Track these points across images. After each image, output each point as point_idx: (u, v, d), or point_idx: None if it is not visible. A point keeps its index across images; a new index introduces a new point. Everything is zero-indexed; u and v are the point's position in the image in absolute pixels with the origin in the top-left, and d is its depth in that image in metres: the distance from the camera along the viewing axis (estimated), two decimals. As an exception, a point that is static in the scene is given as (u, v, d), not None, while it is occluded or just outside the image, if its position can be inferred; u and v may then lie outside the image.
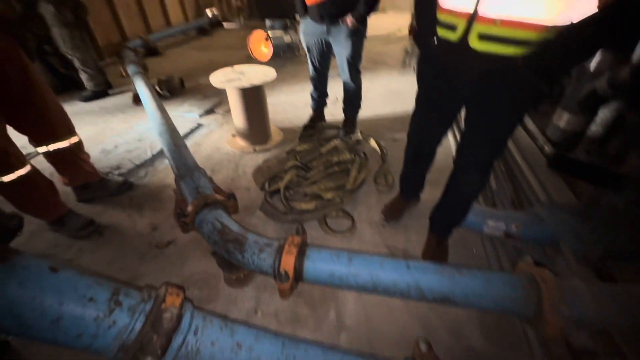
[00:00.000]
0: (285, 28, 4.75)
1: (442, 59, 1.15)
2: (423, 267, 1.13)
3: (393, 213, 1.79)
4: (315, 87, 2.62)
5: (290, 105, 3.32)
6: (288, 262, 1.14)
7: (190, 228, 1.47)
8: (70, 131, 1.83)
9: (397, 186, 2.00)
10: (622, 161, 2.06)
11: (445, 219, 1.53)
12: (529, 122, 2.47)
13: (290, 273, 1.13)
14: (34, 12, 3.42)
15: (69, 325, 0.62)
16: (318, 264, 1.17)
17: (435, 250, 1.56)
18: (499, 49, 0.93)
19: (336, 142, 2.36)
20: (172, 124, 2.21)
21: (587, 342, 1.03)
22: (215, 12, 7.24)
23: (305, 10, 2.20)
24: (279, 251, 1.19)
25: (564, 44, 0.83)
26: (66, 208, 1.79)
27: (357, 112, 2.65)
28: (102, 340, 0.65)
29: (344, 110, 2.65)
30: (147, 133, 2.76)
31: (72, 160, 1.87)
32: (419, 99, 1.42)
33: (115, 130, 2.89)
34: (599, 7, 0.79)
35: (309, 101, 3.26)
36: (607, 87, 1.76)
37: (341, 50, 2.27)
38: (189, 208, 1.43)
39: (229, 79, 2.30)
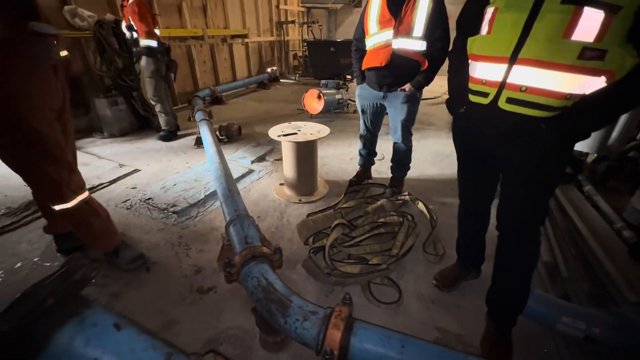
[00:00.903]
0: (337, 87, 5.10)
1: (474, 119, 1.25)
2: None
3: (447, 280, 1.66)
4: (365, 146, 2.68)
5: (337, 159, 3.41)
6: (334, 338, 1.05)
7: (234, 279, 1.46)
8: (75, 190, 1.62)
9: (448, 257, 1.86)
10: None
11: (502, 301, 1.36)
12: (600, 202, 2.25)
13: (336, 351, 1.03)
14: (133, 66, 4.12)
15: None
16: (366, 345, 1.06)
17: (496, 343, 1.35)
18: (525, 110, 1.04)
19: (383, 201, 2.32)
20: (229, 170, 2.35)
21: None
22: (275, 69, 8.10)
23: (363, 77, 2.35)
24: (325, 323, 1.11)
25: (580, 111, 0.96)
26: (121, 238, 1.88)
27: (405, 172, 2.62)
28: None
29: (392, 169, 2.64)
30: (204, 174, 2.96)
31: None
32: (459, 159, 1.49)
33: (176, 168, 3.15)
34: (607, 82, 0.92)
35: (355, 155, 3.32)
36: None
37: (396, 114, 2.34)
38: (236, 259, 1.44)
39: (286, 132, 2.45)
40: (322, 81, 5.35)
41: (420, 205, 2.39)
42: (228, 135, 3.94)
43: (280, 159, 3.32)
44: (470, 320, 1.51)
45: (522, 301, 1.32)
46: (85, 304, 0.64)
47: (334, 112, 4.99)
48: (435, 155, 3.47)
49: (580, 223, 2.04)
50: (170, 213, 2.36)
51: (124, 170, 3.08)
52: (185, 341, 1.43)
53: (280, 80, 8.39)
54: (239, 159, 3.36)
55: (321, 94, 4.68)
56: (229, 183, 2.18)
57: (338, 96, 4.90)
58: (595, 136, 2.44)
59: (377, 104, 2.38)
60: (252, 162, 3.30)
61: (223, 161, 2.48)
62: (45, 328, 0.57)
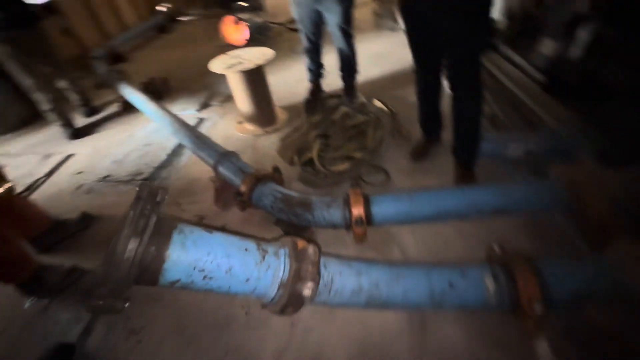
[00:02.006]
0: (253, 9, 4.63)
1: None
2: (477, 190, 1.28)
3: (419, 154, 1.97)
4: (312, 59, 2.66)
5: (283, 85, 3.33)
6: (359, 211, 1.26)
7: (247, 205, 1.55)
8: None
9: (414, 136, 2.14)
10: (603, 77, 2.28)
11: (463, 147, 1.70)
12: (515, 57, 2.65)
13: (364, 218, 1.25)
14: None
15: (238, 272, 0.72)
16: (384, 207, 1.30)
17: (464, 180, 1.72)
18: None
19: (344, 108, 2.44)
20: (182, 120, 2.22)
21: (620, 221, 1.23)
22: (169, 6, 6.86)
23: None
24: (347, 204, 1.30)
25: None
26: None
27: (355, 77, 2.72)
28: (263, 282, 0.75)
29: (343, 78, 2.72)
30: (153, 136, 2.73)
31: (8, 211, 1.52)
32: (409, 36, 1.66)
33: (117, 140, 2.82)
34: None
35: (300, 78, 3.29)
36: (589, 6, 1.92)
37: (332, 17, 2.31)
38: (242, 187, 1.51)
39: (230, 65, 2.30)
40: (233, 5, 4.77)
41: (377, 102, 2.58)
42: (155, 92, 3.50)
43: (226, 100, 3.15)
44: (444, 175, 1.85)
45: (475, 143, 1.65)
46: (171, 220, 0.69)
47: (258, 39, 4.62)
48: (373, 57, 3.57)
49: (503, 77, 2.45)
50: (140, 181, 2.22)
51: (55, 160, 2.68)
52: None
53: (182, 20, 7.21)
54: (180, 112, 3.09)
55: (238, 19, 4.23)
56: (193, 130, 2.09)
57: (258, 20, 4.49)
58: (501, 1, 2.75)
59: (313, 10, 2.31)
60: (198, 110, 3.08)
61: (171, 113, 2.31)
62: (160, 245, 0.63)
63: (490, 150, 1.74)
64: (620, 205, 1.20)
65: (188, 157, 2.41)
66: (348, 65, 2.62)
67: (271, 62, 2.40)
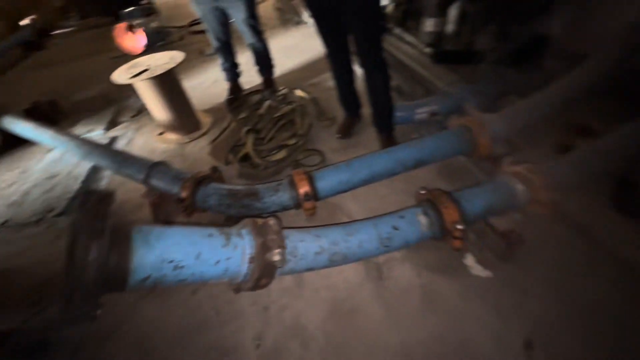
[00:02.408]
0: (145, 14, 4.27)
1: None
2: (399, 147, 1.49)
3: (346, 131, 2.16)
4: (225, 59, 2.62)
5: (198, 89, 3.20)
6: (305, 187, 1.35)
7: (193, 210, 1.51)
8: None
9: (338, 118, 2.32)
10: (472, 43, 2.78)
11: (381, 117, 1.94)
12: (406, 36, 3.04)
13: (310, 194, 1.35)
14: None
15: (208, 257, 0.74)
16: (327, 180, 1.42)
17: (388, 146, 1.95)
18: None
19: (268, 102, 2.49)
20: (92, 141, 2.00)
21: (502, 150, 1.58)
22: (34, 17, 5.82)
23: None
24: (292, 184, 1.38)
25: None
26: None
27: (272, 70, 2.78)
28: (233, 260, 0.79)
29: (260, 73, 2.75)
30: (56, 167, 2.37)
31: None
32: (317, 25, 1.79)
33: (6, 180, 2.37)
34: None
35: (216, 79, 3.22)
36: (451, -13, 2.31)
37: (237, 14, 2.33)
38: (183, 193, 1.47)
39: (136, 74, 2.13)
40: (122, 12, 4.32)
41: (298, 92, 2.70)
42: (44, 117, 3.00)
43: (138, 113, 2.91)
44: (371, 146, 2.07)
45: (390, 111, 1.90)
46: (126, 223, 0.68)
47: (158, 45, 4.29)
48: (284, 50, 3.66)
49: (400, 54, 2.80)
50: (53, 218, 1.94)
51: None
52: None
53: (56, 33, 6.20)
54: (87, 134, 2.74)
55: (132, 25, 3.87)
56: (109, 149, 1.91)
57: (153, 24, 4.16)
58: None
59: (215, 7, 2.28)
60: (107, 130, 2.76)
61: (76, 136, 2.05)
62: (122, 246, 0.62)
63: (402, 117, 2.01)
64: (499, 139, 1.54)
65: (108, 180, 2.18)
66: (263, 60, 2.66)
67: (182, 67, 2.30)
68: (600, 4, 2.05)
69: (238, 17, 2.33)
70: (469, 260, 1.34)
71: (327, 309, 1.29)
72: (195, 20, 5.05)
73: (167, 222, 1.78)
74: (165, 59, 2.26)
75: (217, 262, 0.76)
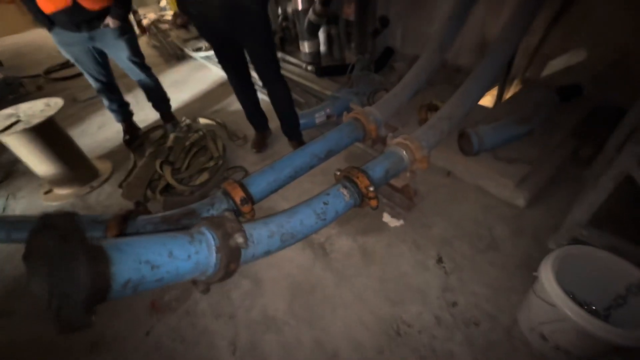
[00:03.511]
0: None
1: (197, 9, 1.70)
2: (311, 144, 1.76)
3: (260, 145, 2.35)
4: (110, 99, 2.47)
5: (84, 135, 2.88)
6: (239, 194, 1.48)
7: (125, 249, 1.43)
8: None
9: (250, 136, 2.49)
10: (344, 58, 3.37)
11: (289, 125, 2.21)
12: (291, 59, 3.46)
13: (245, 197, 1.48)
14: None
15: (179, 253, 0.81)
16: (257, 183, 1.58)
17: (301, 150, 2.24)
18: None
19: (173, 134, 2.47)
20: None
21: (385, 131, 2.03)
22: None
23: (51, 20, 1.99)
24: (226, 195, 1.49)
25: None
26: None
27: (168, 104, 2.75)
28: (202, 253, 0.87)
29: (156, 108, 2.69)
30: None
31: None
32: (214, 49, 1.93)
33: None
34: None
35: (100, 124, 3.00)
36: (315, 16, 2.82)
37: (118, 53, 2.26)
38: (109, 234, 1.39)
39: (4, 128, 1.84)
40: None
41: (203, 120, 2.75)
42: None
43: (7, 175, 2.44)
44: (284, 152, 2.28)
45: (296, 120, 2.19)
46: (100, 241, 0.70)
47: (11, 99, 3.63)
48: (174, 84, 3.62)
49: (288, 73, 3.18)
50: None
51: None
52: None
53: None
54: None
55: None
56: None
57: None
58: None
59: (88, 47, 2.16)
60: (-38, 205, 2.21)
61: None
62: (98, 255, 0.65)
63: (305, 123, 2.32)
64: (381, 123, 1.98)
65: (-14, 258, 1.78)
66: (156, 95, 2.62)
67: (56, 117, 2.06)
68: (418, 19, 2.85)
69: (120, 55, 2.27)
70: (386, 217, 1.69)
71: (289, 295, 1.42)
72: (53, 66, 4.47)
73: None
74: (39, 107, 2.02)
75: (189, 256, 0.83)
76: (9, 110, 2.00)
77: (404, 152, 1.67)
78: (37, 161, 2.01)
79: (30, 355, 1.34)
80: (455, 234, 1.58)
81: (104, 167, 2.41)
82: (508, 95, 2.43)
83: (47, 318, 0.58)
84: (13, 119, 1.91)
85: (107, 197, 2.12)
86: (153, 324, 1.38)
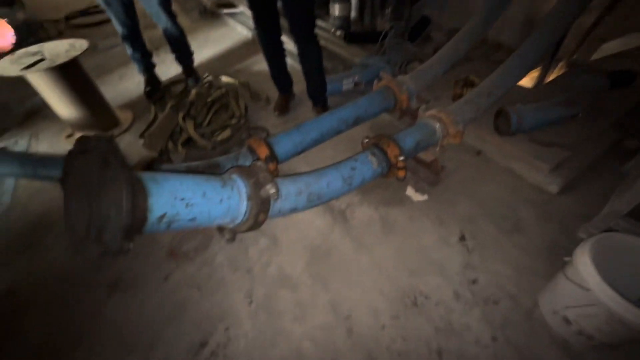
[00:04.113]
0: (7, 3, 3.49)
1: None
2: (340, 108, 1.70)
3: (282, 107, 2.28)
4: (134, 48, 2.41)
5: (108, 85, 2.84)
6: (265, 152, 1.44)
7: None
8: None
9: (273, 98, 2.42)
10: (375, 24, 3.19)
11: (316, 88, 2.12)
12: (319, 22, 3.29)
13: (269, 155, 1.44)
14: None
15: (212, 195, 0.79)
16: (283, 143, 1.54)
17: (325, 117, 2.16)
18: None
19: (195, 90, 2.41)
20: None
21: (416, 103, 1.94)
22: None
23: None
24: (251, 151, 1.45)
25: None
26: None
27: (192, 57, 2.67)
28: (234, 199, 0.85)
29: (179, 60, 2.62)
30: None
31: None
32: (250, 5, 1.82)
33: None
34: None
35: (121, 74, 2.95)
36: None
37: None
38: (134, 179, 1.38)
39: (28, 64, 1.81)
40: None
41: (224, 77, 2.67)
42: None
43: (30, 116, 2.45)
44: (307, 117, 2.24)
45: (324, 85, 2.10)
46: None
47: (30, 42, 3.58)
48: (197, 40, 3.49)
49: (324, 41, 3.03)
50: (-58, 249, 1.54)
51: None
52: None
53: None
54: (-46, 150, 2.18)
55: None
56: (8, 152, 1.62)
57: (20, 16, 3.45)
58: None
59: None
60: (-13, 141, 2.25)
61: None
62: (136, 184, 0.63)
63: (331, 89, 2.23)
64: (412, 95, 1.89)
65: (10, 195, 1.82)
66: (180, 46, 2.54)
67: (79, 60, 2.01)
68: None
69: (150, -1, 2.18)
70: (409, 191, 1.65)
71: (306, 256, 1.42)
72: (73, 12, 4.36)
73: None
74: (64, 47, 1.98)
75: (221, 200, 0.81)
76: (34, 48, 1.97)
77: (437, 125, 1.59)
78: (59, 103, 1.99)
79: (52, 289, 1.39)
80: (480, 213, 1.54)
81: (124, 116, 2.39)
82: (550, 77, 2.28)
83: (81, 245, 0.57)
84: (38, 57, 1.88)
85: (128, 146, 2.12)
86: (171, 270, 1.40)
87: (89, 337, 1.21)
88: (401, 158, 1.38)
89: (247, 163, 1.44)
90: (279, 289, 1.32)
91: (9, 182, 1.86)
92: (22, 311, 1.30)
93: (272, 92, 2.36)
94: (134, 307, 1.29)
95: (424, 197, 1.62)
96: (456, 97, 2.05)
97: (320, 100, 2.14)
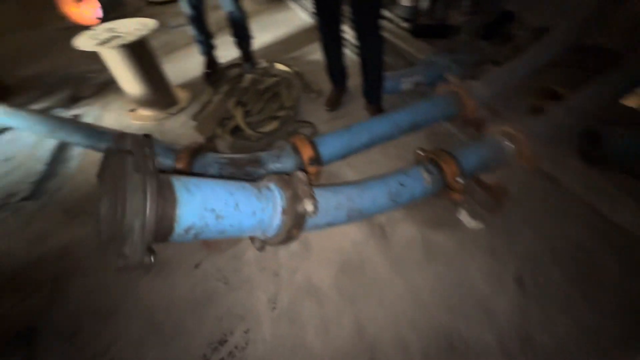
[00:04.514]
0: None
1: None
2: (396, 112, 1.55)
3: (334, 103, 2.17)
4: (199, 29, 2.46)
5: (170, 63, 2.98)
6: (309, 153, 1.36)
7: (190, 182, 1.45)
8: None
9: (325, 91, 2.32)
10: (446, 18, 2.89)
11: (372, 88, 1.97)
12: (386, 13, 3.07)
13: (314, 157, 1.36)
14: None
15: (245, 207, 0.73)
16: (329, 144, 1.44)
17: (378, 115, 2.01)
18: None
19: (250, 75, 2.40)
20: (54, 115, 1.81)
21: (485, 113, 1.70)
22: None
23: None
24: (294, 150, 1.38)
25: None
26: None
27: (250, 42, 2.67)
28: (268, 212, 0.79)
29: (238, 45, 2.63)
30: (10, 148, 2.11)
31: None
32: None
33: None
34: None
35: (185, 53, 3.03)
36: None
37: None
38: (179, 165, 1.40)
39: (103, 41, 1.93)
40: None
41: (279, 65, 2.63)
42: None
43: (103, 87, 2.66)
44: (359, 116, 2.11)
45: (381, 82, 1.94)
46: (166, 177, 0.65)
47: (112, 18, 3.88)
48: (258, 24, 3.49)
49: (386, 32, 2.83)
50: (19, 203, 1.74)
51: None
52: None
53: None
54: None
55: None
56: (78, 122, 1.74)
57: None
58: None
59: None
60: (65, 108, 2.49)
61: (36, 112, 1.84)
62: (166, 192, 0.59)
63: (389, 87, 2.05)
64: (481, 103, 1.65)
65: (80, 160, 2.00)
66: (242, 31, 2.54)
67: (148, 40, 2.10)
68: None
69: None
70: (462, 215, 1.46)
71: (336, 268, 1.34)
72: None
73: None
74: (134, 25, 2.07)
75: (254, 212, 0.75)
76: (108, 25, 2.09)
77: (509, 143, 1.38)
78: (125, 79, 2.11)
79: (93, 257, 1.49)
80: (545, 252, 1.31)
81: (182, 96, 2.48)
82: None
83: (103, 254, 0.55)
84: (112, 34, 1.99)
85: (181, 126, 2.19)
86: (202, 259, 1.42)
87: (122, 310, 1.28)
88: (459, 179, 1.21)
89: (289, 162, 1.38)
90: (304, 298, 1.26)
91: (78, 149, 2.03)
92: (70, 273, 1.42)
93: (325, 84, 2.26)
94: (164, 290, 1.33)
95: (479, 225, 1.43)
96: (534, 110, 1.76)
97: (375, 99, 1.99)
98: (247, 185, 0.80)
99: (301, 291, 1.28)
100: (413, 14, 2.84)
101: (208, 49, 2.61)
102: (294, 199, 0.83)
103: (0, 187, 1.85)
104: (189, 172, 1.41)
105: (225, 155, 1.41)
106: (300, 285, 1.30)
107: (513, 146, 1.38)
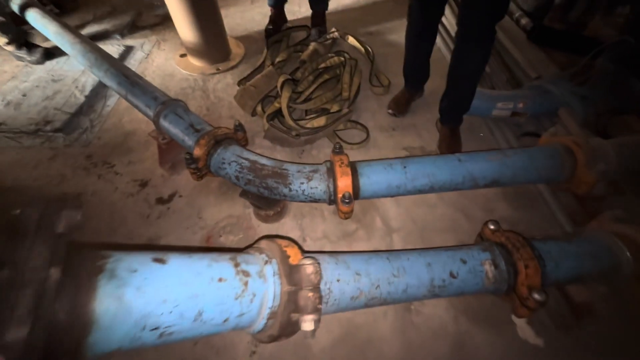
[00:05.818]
0: None
1: None
2: (474, 158, 1.15)
3: (400, 106, 1.76)
4: (271, -24, 2.10)
5: (235, 8, 2.68)
6: (346, 184, 1.06)
7: (204, 173, 1.25)
8: None
9: (393, 86, 1.90)
10: (584, 25, 2.16)
11: (455, 106, 1.53)
12: None
13: (352, 194, 1.06)
14: None
15: (213, 315, 0.50)
16: (374, 178, 1.12)
17: (450, 141, 1.59)
18: None
19: (313, 45, 2.04)
20: (102, 50, 1.66)
21: (600, 190, 1.22)
22: None
23: None
24: (331, 175, 1.09)
25: None
26: None
27: (327, 3, 2.25)
28: (247, 317, 0.55)
29: (312, 3, 2.23)
30: (63, 67, 2.07)
31: None
32: None
33: (7, 73, 2.09)
34: None
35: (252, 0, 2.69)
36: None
37: None
38: (197, 151, 1.19)
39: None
40: None
41: (352, 40, 2.22)
42: (56, 2, 2.59)
43: (163, 20, 2.48)
44: (426, 133, 1.71)
45: (470, 102, 1.49)
46: (94, 257, 0.42)
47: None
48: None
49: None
50: (51, 133, 1.70)
51: None
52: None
53: None
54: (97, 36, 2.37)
55: None
56: (119, 66, 1.57)
57: None
58: None
59: None
60: (123, 35, 2.37)
61: (85, 39, 1.70)
62: (78, 303, 0.37)
63: (477, 107, 1.58)
64: (604, 175, 1.17)
65: (116, 99, 1.89)
66: (319, -13, 2.13)
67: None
68: None
69: None
70: (520, 321, 1.10)
71: (338, 333, 1.10)
72: None
73: (172, 169, 1.55)
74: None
75: (225, 321, 0.52)
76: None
77: (629, 255, 0.96)
78: (180, 21, 1.89)
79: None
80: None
81: (236, 51, 2.21)
82: None
83: None
84: (173, -34, 1.72)
85: (224, 89, 1.96)
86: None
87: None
88: (536, 296, 0.85)
89: (321, 188, 1.10)
90: (290, 355, 1.06)
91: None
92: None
93: (397, 78, 1.84)
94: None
95: (538, 340, 1.07)
96: (680, 207, 1.24)
97: (454, 119, 1.56)
98: (229, 272, 0.55)
99: (289, 345, 1.08)
100: (540, 9, 2.15)
101: (278, 2, 2.26)
102: (292, 302, 0.57)
103: (41, 110, 1.82)
104: (204, 164, 1.21)
105: (249, 157, 1.17)
106: (290, 339, 1.09)
107: (632, 259, 0.96)
